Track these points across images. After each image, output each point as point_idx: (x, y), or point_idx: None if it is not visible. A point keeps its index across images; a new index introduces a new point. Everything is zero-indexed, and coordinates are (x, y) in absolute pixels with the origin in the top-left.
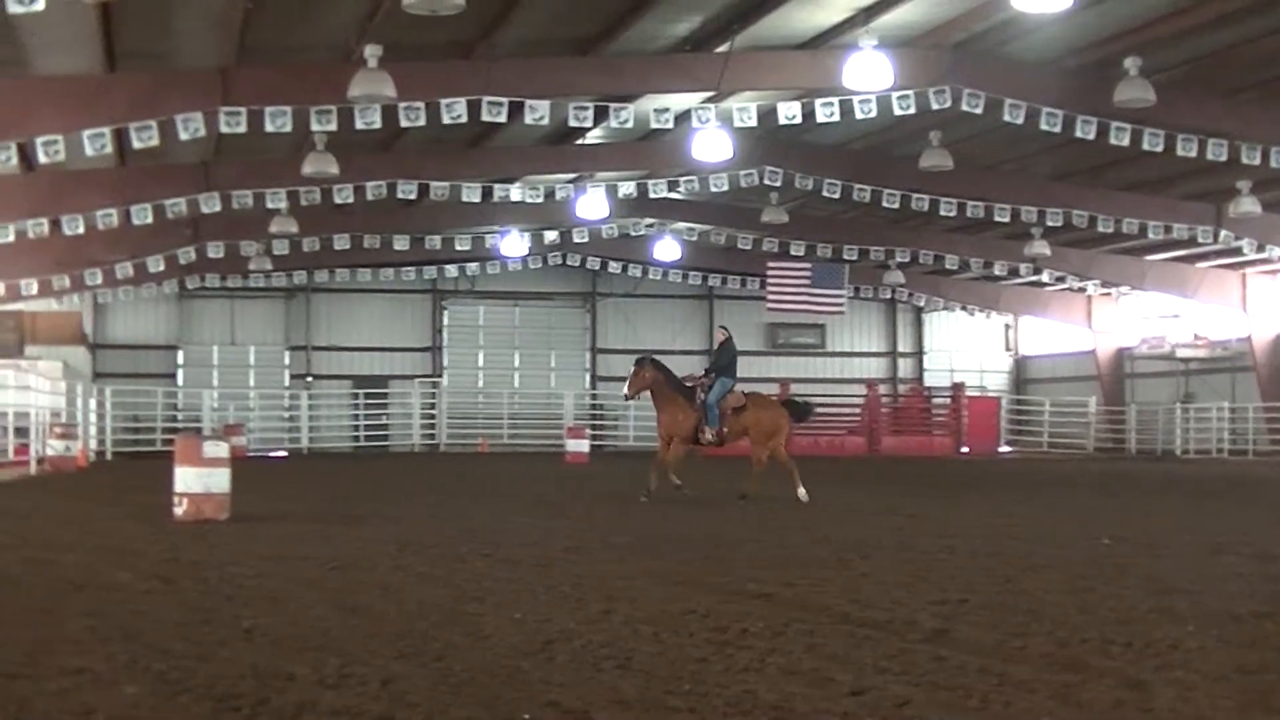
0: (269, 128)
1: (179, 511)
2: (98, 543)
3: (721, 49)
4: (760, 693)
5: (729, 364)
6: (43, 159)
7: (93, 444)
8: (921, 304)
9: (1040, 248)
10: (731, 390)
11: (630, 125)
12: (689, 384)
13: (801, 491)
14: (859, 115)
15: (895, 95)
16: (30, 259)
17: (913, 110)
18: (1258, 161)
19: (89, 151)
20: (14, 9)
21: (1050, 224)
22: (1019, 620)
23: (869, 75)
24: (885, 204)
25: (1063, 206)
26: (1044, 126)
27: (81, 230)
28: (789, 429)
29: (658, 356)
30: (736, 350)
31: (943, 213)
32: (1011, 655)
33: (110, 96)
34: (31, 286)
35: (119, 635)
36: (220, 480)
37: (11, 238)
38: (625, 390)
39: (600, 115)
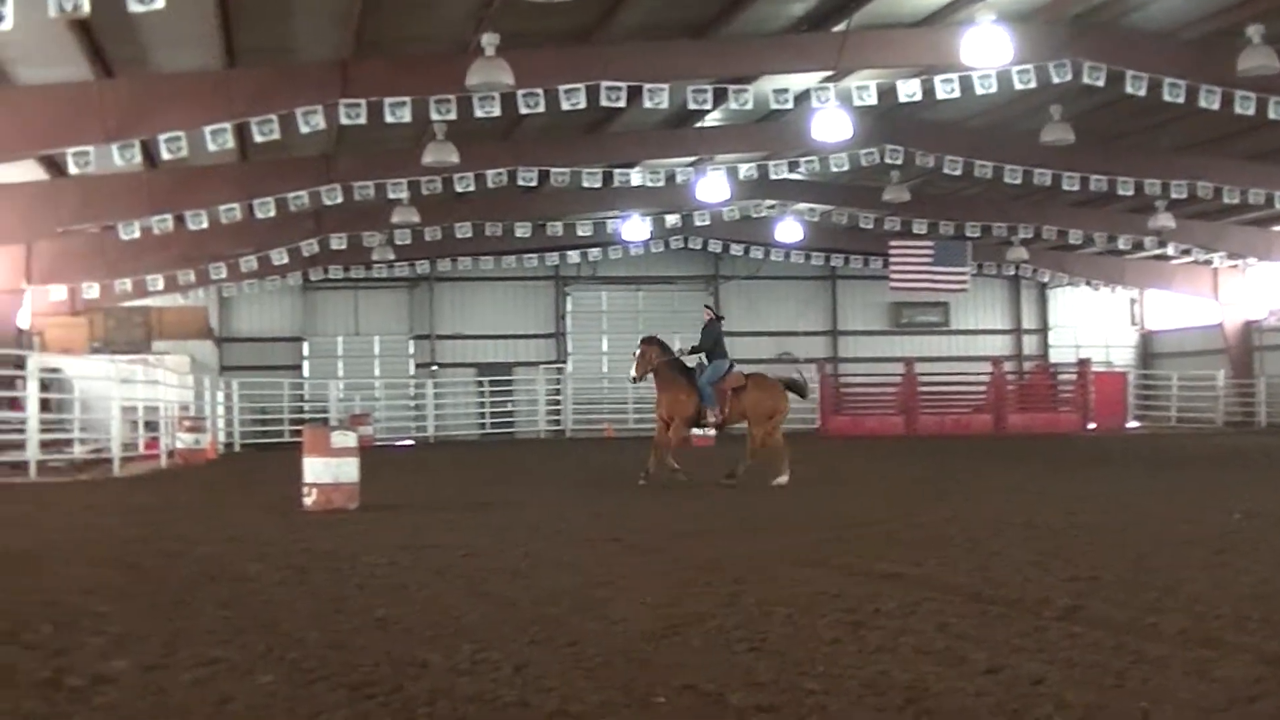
0: (389, 119)
1: (309, 502)
2: (230, 534)
3: (839, 28)
4: (894, 673)
5: (713, 345)
6: (166, 155)
7: (221, 436)
8: (1045, 280)
9: (1165, 220)
10: (730, 371)
11: (749, 107)
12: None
13: (783, 479)
14: (979, 91)
15: (1015, 70)
16: (155, 255)
17: (1033, 85)
18: None
19: (211, 147)
20: (134, 7)
21: (1175, 196)
22: (1152, 596)
23: (988, 50)
24: (1007, 180)
25: (1187, 178)
26: (1167, 98)
27: (205, 225)
28: (787, 410)
29: (662, 337)
30: (721, 331)
31: (1065, 187)
32: (1146, 632)
33: (231, 92)
34: (157, 282)
35: (253, 625)
36: (349, 470)
37: (137, 234)
38: (632, 372)
39: (719, 98)
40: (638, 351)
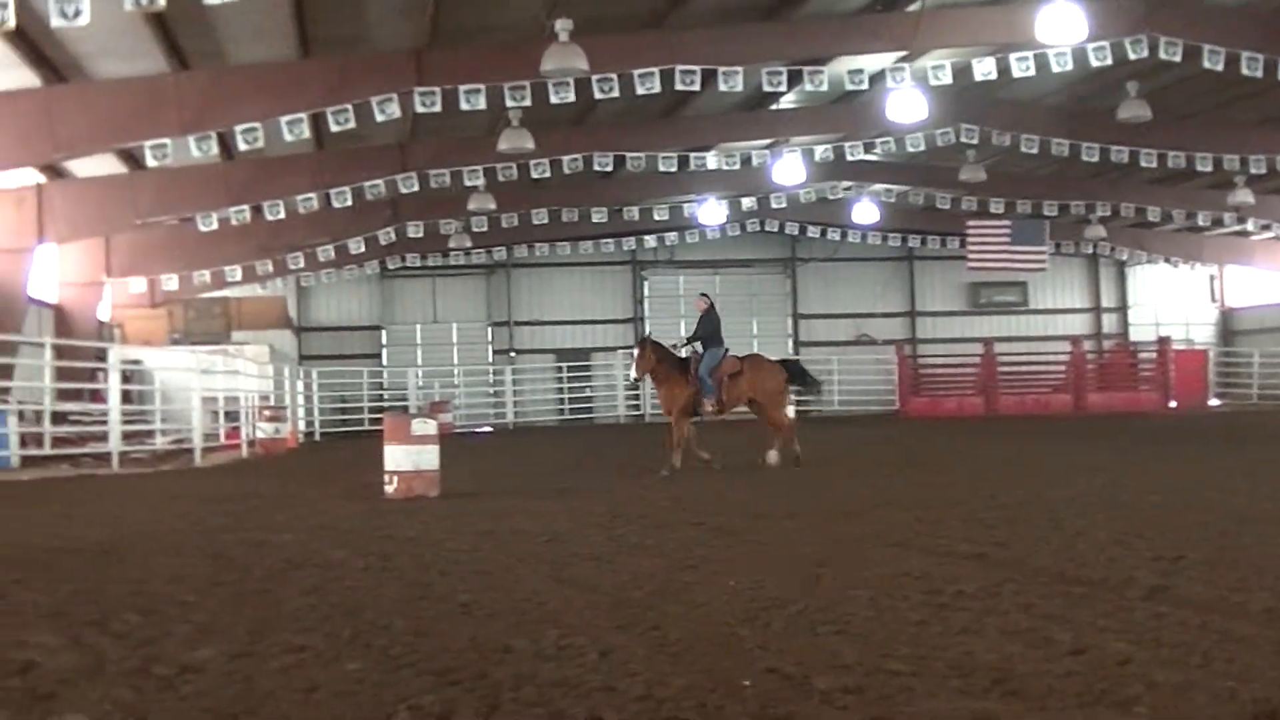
0: (464, 106)
1: (390, 489)
2: (313, 522)
3: (913, 7)
4: (980, 654)
5: (712, 334)
6: (242, 147)
7: (301, 425)
8: (1124, 258)
9: (1244, 196)
10: (724, 358)
11: (824, 88)
12: (684, 356)
13: (772, 454)
14: (1054, 69)
15: (1091, 46)
16: (234, 246)
17: (1109, 61)
18: None
19: (287, 137)
20: (210, 0)
21: (1254, 171)
22: (1239, 575)
23: (1063, 28)
24: (1084, 158)
25: (1266, 153)
26: (1245, 72)
27: (283, 215)
28: (787, 390)
29: (658, 337)
30: (719, 319)
31: (1143, 164)
32: (1233, 611)
33: (306, 83)
34: (236, 273)
35: (338, 613)
36: (430, 457)
37: (215, 225)
38: (632, 372)
39: (794, 80)
40: (636, 352)
